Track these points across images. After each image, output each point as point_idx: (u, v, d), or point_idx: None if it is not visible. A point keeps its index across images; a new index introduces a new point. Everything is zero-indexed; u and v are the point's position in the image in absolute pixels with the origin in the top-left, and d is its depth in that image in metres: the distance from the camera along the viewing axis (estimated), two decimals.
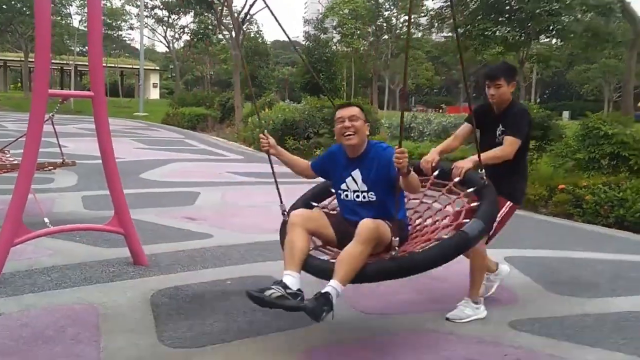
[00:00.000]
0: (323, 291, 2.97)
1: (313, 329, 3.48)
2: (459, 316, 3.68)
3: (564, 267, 5.18)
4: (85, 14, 33.78)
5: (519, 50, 10.83)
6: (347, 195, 3.56)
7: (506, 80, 3.81)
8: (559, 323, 3.74)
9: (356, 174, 3.51)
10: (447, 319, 3.67)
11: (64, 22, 31.40)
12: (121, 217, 4.57)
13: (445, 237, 3.26)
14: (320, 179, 3.99)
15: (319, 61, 19.54)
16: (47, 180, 8.30)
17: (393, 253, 3.09)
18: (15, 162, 6.21)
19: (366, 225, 3.12)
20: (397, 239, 3.10)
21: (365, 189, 3.48)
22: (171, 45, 34.72)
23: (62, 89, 46.53)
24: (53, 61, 37.72)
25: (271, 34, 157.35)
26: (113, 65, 38.60)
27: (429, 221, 3.78)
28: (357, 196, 3.51)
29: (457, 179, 3.72)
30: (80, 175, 8.74)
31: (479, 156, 3.59)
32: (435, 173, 3.88)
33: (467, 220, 3.34)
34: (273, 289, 2.95)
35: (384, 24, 24.38)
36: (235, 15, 20.10)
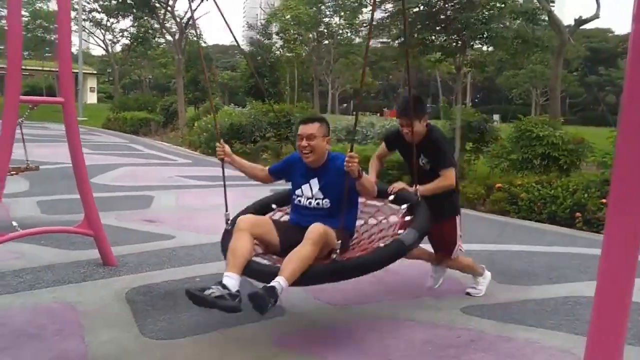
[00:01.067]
0: (269, 285, 3.06)
1: (282, 320, 3.79)
2: (478, 290, 4.37)
3: (504, 259, 5.67)
4: (23, 18, 32.64)
5: (456, 57, 11.50)
6: (300, 201, 3.74)
7: (419, 118, 3.91)
8: (504, 308, 4.15)
9: (314, 182, 3.69)
10: (468, 293, 4.36)
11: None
12: (91, 220, 4.70)
13: (382, 245, 3.50)
14: (267, 188, 4.17)
15: (262, 66, 19.81)
16: None
17: (334, 256, 3.25)
18: None
19: (317, 228, 3.28)
20: (340, 242, 3.27)
21: (321, 196, 3.65)
22: (109, 48, 34.05)
23: None
24: None
25: (210, 37, 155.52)
26: (49, 69, 37.39)
27: (365, 234, 4.03)
28: (310, 202, 3.68)
29: (390, 196, 3.98)
30: (32, 180, 8.64)
31: (414, 183, 3.84)
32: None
33: (402, 231, 3.60)
34: (213, 288, 3.05)
35: (325, 30, 24.91)
36: (178, 19, 20.09)
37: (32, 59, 39.79)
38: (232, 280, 3.17)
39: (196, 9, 19.16)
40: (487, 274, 4.47)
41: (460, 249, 4.27)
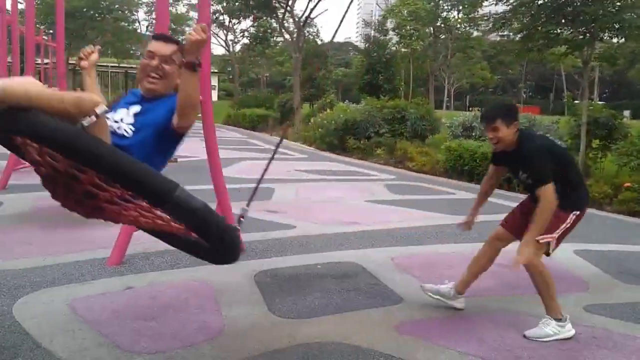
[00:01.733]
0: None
1: (400, 307, 3.96)
2: (538, 334, 3.50)
3: (631, 259, 5.44)
4: (153, 20, 35.58)
5: (583, 50, 10.92)
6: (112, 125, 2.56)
7: (504, 123, 3.55)
8: (630, 308, 4.06)
9: (134, 107, 2.72)
10: (525, 336, 3.50)
11: (130, 27, 33.05)
12: (223, 207, 5.12)
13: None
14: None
15: (378, 62, 19.95)
16: None
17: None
18: None
19: None
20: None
21: (130, 124, 2.64)
22: (230, 48, 35.91)
23: (125, 91, 48.60)
24: (117, 65, 39.64)
25: (324, 35, 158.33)
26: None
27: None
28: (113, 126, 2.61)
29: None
30: (165, 173, 9.41)
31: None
32: None
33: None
34: None
35: (442, 25, 24.50)
36: (297, 19, 20.78)
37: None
38: None
39: (314, 7, 19.76)
40: (569, 327, 3.56)
41: (553, 245, 3.61)
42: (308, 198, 8.25)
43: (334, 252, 5.35)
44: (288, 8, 20.88)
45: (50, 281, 4.17)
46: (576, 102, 15.88)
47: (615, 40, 13.30)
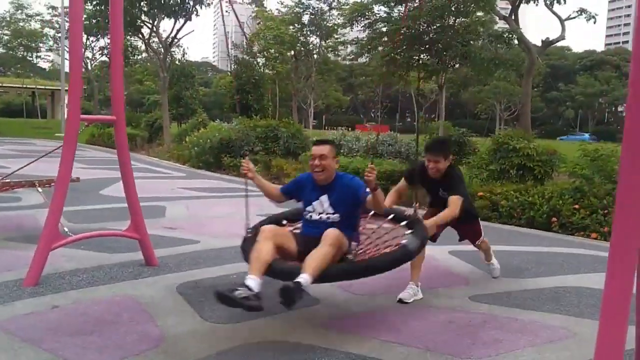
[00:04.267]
0: (296, 280, 3.44)
1: (321, 308, 4.41)
2: (494, 265, 5.41)
3: (498, 257, 6.40)
4: (3, 35, 32.91)
5: (438, 76, 12.35)
6: (311, 216, 4.17)
7: (444, 157, 4.73)
8: (506, 296, 4.86)
9: (324, 198, 4.13)
10: (492, 265, 5.40)
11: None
12: (137, 225, 5.26)
13: (391, 249, 4.05)
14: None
15: (247, 83, 20.47)
16: (15, 199, 8.60)
17: (350, 257, 3.89)
18: (6, 180, 6.61)
19: (332, 232, 3.76)
20: (356, 243, 4.00)
21: (331, 211, 4.08)
22: (89, 66, 34.27)
23: None
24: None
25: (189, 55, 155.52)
26: (28, 86, 37.53)
27: (370, 245, 4.42)
28: (321, 217, 4.11)
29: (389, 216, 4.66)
30: (48, 194, 9.02)
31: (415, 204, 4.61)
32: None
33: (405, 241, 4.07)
34: (240, 290, 3.43)
35: (303, 49, 25.80)
36: (163, 39, 20.65)
37: (8, 77, 39.77)
38: (254, 282, 3.52)
39: (181, 28, 19.84)
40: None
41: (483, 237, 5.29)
42: (200, 214, 8.45)
43: (243, 262, 5.62)
44: (154, 28, 20.69)
45: None
46: (435, 122, 17.63)
47: (459, 65, 15.18)
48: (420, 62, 12.37)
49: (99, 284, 4.74)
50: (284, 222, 4.77)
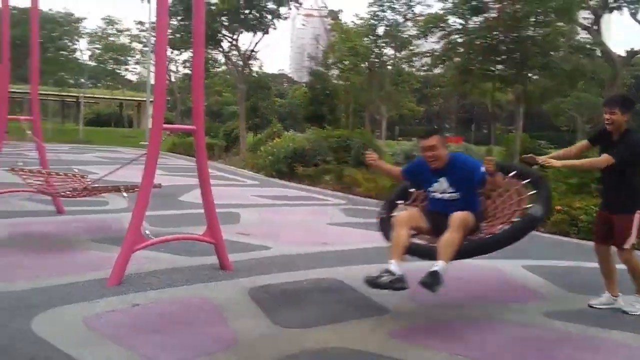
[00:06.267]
0: (433, 270, 3.88)
1: (390, 317, 4.42)
2: (632, 310, 4.61)
3: (572, 273, 6.17)
4: (95, 50, 35.27)
5: (514, 87, 12.07)
6: (434, 195, 4.57)
7: (620, 110, 4.52)
8: (582, 314, 4.67)
9: (443, 179, 4.49)
10: (624, 312, 4.62)
11: (71, 56, 32.74)
12: (213, 230, 5.48)
13: (516, 220, 4.39)
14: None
15: (321, 94, 20.78)
16: (103, 203, 9.16)
17: (481, 235, 4.34)
18: (95, 185, 7.04)
19: (457, 216, 4.16)
20: (484, 223, 4.45)
21: (452, 190, 4.46)
22: (172, 78, 35.99)
23: (62, 119, 47.73)
24: (53, 93, 38.88)
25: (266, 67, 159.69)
26: (116, 97, 39.95)
27: (497, 211, 4.85)
28: (444, 196, 4.51)
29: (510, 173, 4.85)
30: (132, 199, 9.56)
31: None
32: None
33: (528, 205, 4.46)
34: (385, 276, 3.92)
35: (376, 60, 25.89)
36: (242, 52, 21.39)
37: (98, 88, 42.42)
38: (395, 267, 3.99)
39: (258, 42, 20.48)
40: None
41: (630, 243, 4.54)
42: (273, 221, 8.66)
43: (314, 269, 5.74)
44: (234, 41, 21.46)
45: (59, 300, 4.36)
46: (511, 133, 17.21)
47: (538, 77, 14.73)
48: (496, 72, 12.15)
49: (176, 285, 4.96)
50: (409, 192, 5.21)
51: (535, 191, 4.59)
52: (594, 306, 4.74)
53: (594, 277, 5.95)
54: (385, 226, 4.68)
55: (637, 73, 59.43)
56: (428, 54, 16.38)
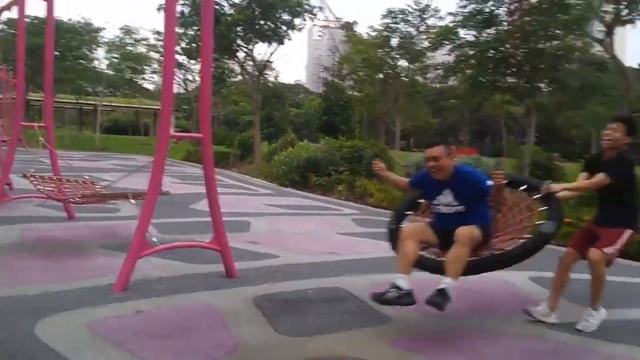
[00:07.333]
0: (440, 287, 3.82)
1: (390, 327, 4.40)
2: (587, 325, 4.38)
3: (579, 285, 6.08)
4: (112, 59, 35.82)
5: (524, 99, 12.04)
6: (439, 209, 4.43)
7: (625, 130, 4.38)
8: None
9: (447, 192, 4.36)
10: (578, 330, 4.36)
11: (89, 65, 33.32)
12: (219, 237, 5.52)
13: (527, 236, 4.31)
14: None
15: (335, 105, 20.89)
16: (114, 209, 9.26)
17: (491, 249, 4.22)
18: (103, 191, 7.13)
19: (462, 231, 4.03)
20: (495, 239, 4.34)
21: (457, 203, 4.32)
22: (188, 87, 36.42)
23: (81, 127, 48.45)
24: (71, 101, 39.55)
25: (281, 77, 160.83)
26: (132, 106, 40.50)
27: (508, 227, 4.77)
28: (449, 209, 4.37)
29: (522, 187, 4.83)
30: (139, 206, 9.67)
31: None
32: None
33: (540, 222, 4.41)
34: (392, 291, 3.89)
35: (391, 72, 25.98)
36: (257, 62, 21.61)
37: (116, 96, 43.01)
38: (403, 281, 3.94)
39: (273, 52, 20.66)
40: (603, 310, 4.54)
41: (613, 257, 4.44)
42: (283, 230, 8.69)
43: (320, 279, 5.75)
44: (249, 52, 21.68)
45: (64, 305, 4.41)
46: (523, 145, 17.14)
47: (549, 90, 14.68)
48: (506, 85, 12.12)
49: (181, 292, 4.99)
50: (420, 201, 5.12)
51: (546, 207, 4.51)
52: (530, 314, 4.60)
53: (607, 290, 5.91)
54: (394, 237, 4.62)
55: None
56: (439, 67, 16.41)
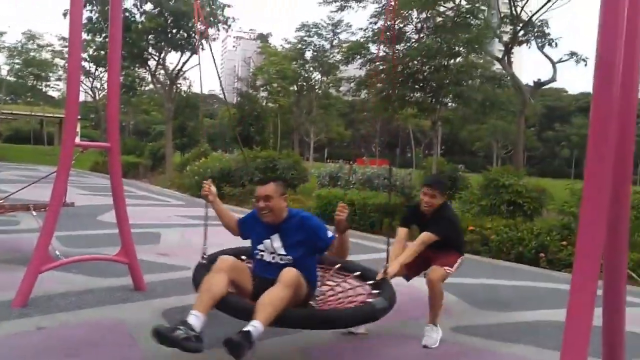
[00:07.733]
0: (245, 329, 3.09)
1: (300, 335, 4.42)
2: (431, 342, 4.32)
3: (481, 290, 6.51)
4: (14, 64, 33.88)
5: (431, 113, 12.67)
6: (262, 256, 3.84)
7: (440, 193, 4.66)
8: (486, 329, 4.96)
9: (275, 237, 3.78)
10: (425, 346, 4.28)
11: None
12: (127, 250, 5.41)
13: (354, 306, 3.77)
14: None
15: (249, 115, 20.89)
16: (14, 222, 8.78)
17: (313, 304, 3.72)
18: (2, 203, 6.80)
19: (289, 272, 3.41)
20: (319, 295, 3.86)
21: (284, 252, 3.74)
22: (96, 95, 35.04)
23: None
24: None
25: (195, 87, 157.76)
26: (35, 114, 38.42)
27: (332, 298, 4.19)
28: (274, 257, 3.77)
29: (355, 273, 4.41)
30: (42, 218, 9.23)
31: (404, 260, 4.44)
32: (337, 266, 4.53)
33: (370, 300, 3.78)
34: (181, 329, 3.12)
35: (304, 84, 26.39)
36: (169, 71, 21.22)
37: (18, 104, 40.63)
38: (197, 320, 3.22)
39: (186, 61, 20.39)
40: (439, 329, 4.51)
41: (449, 272, 4.58)
42: (195, 242, 8.53)
43: None
44: (160, 61, 21.25)
45: None
46: (429, 157, 17.92)
47: (453, 105, 15.56)
48: (414, 99, 12.71)
49: (86, 307, 4.85)
50: (243, 257, 4.42)
51: (378, 291, 3.95)
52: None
53: (502, 294, 6.34)
54: (199, 276, 3.70)
55: (549, 104, 63.74)
56: (351, 80, 16.96)
